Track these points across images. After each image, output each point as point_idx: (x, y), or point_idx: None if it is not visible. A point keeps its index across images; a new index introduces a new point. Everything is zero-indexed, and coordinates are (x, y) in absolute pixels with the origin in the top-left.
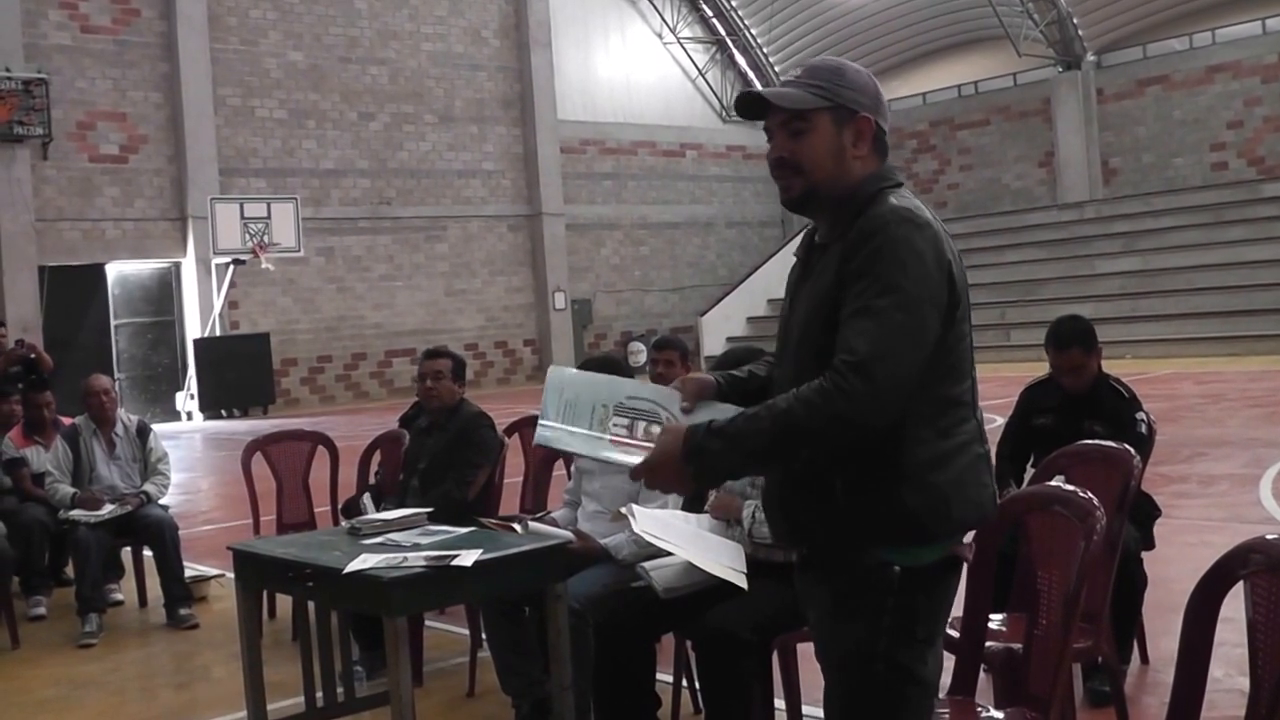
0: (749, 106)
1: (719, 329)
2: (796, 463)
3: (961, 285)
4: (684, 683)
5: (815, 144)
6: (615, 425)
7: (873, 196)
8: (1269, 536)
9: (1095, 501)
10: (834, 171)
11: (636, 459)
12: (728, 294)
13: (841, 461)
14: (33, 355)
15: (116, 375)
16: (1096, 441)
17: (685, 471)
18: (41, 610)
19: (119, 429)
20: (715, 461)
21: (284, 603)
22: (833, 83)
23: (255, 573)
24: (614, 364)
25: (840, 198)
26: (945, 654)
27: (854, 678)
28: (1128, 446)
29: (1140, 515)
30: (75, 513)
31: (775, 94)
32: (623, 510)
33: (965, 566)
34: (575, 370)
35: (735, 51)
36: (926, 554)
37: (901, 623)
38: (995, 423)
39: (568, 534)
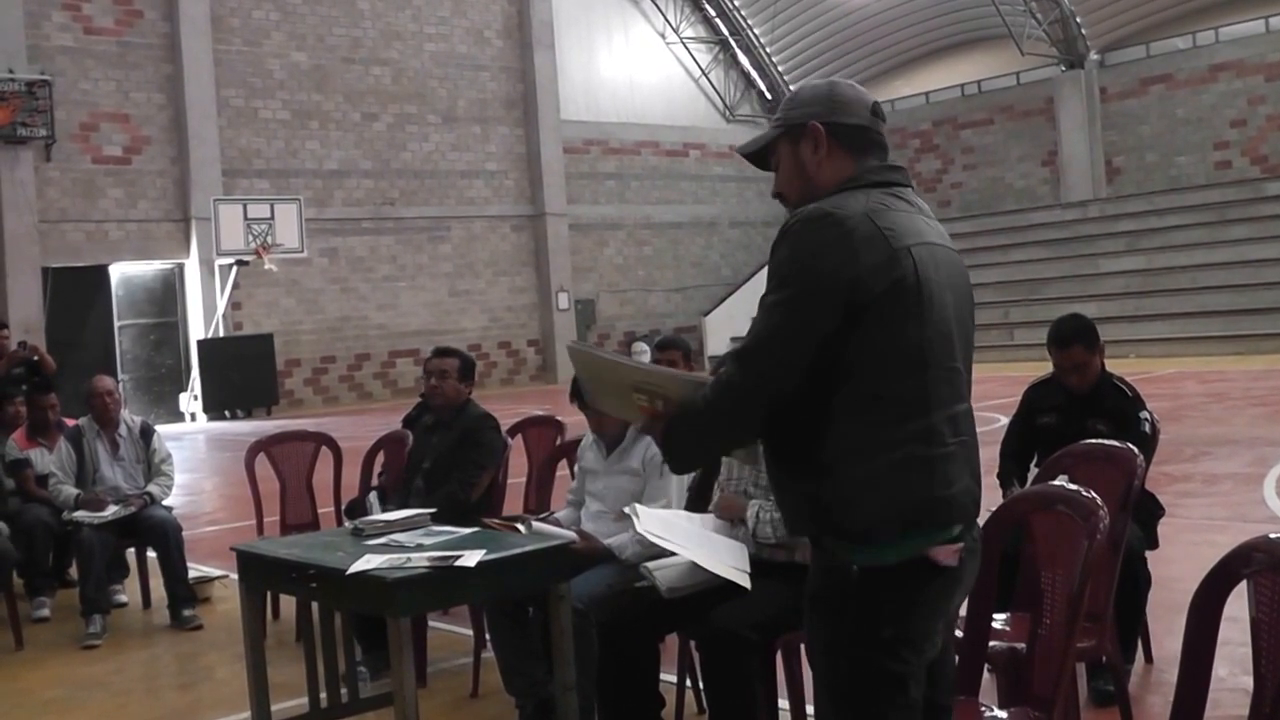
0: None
1: (722, 329)
2: (721, 449)
3: (891, 282)
4: (688, 683)
5: (783, 171)
6: (639, 399)
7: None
8: (1272, 535)
9: (1098, 501)
10: (804, 186)
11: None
12: (731, 294)
13: (778, 452)
14: (35, 357)
15: (120, 376)
16: (1100, 441)
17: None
18: (45, 611)
19: (122, 430)
20: (679, 456)
21: (288, 603)
22: (785, 109)
23: (259, 573)
24: None
25: None
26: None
27: (825, 672)
28: (1131, 446)
29: (1144, 514)
30: (79, 514)
31: (741, 149)
32: (626, 510)
33: (957, 570)
34: (588, 349)
35: (738, 51)
36: (887, 554)
37: (864, 622)
38: (999, 422)
39: (571, 534)
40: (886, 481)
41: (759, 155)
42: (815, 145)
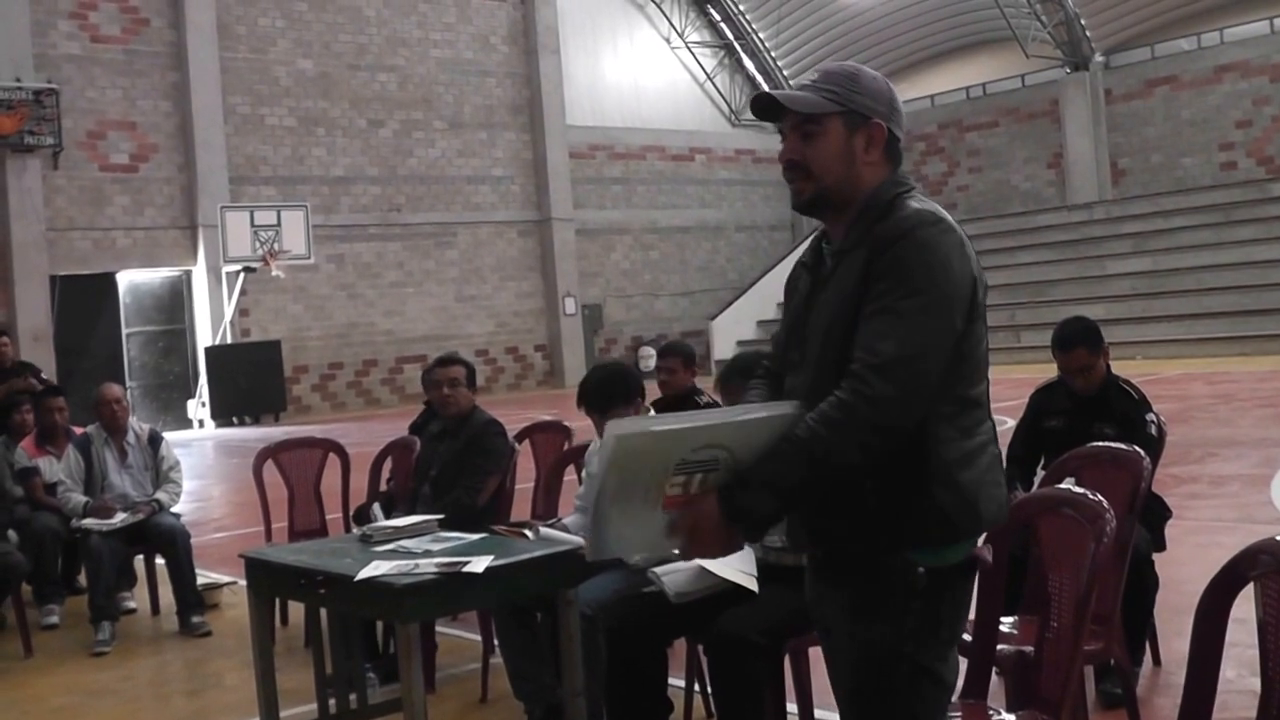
0: (764, 108)
1: (729, 333)
2: (835, 483)
3: (981, 288)
4: (696, 687)
5: (825, 148)
6: (671, 487)
7: (891, 201)
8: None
9: (1105, 504)
10: (843, 176)
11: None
12: (738, 298)
13: (872, 465)
14: (38, 385)
15: (128, 384)
16: (1107, 443)
17: (732, 532)
18: (54, 619)
19: (131, 437)
20: (759, 514)
21: (296, 610)
22: (846, 88)
23: (267, 580)
24: (624, 372)
25: (852, 203)
26: (959, 657)
27: (876, 679)
28: (1138, 448)
29: (1151, 517)
30: (88, 521)
31: (788, 97)
32: None
33: (978, 568)
34: (643, 428)
35: (743, 55)
36: (951, 554)
37: (926, 624)
38: (1006, 425)
39: (579, 539)
40: (988, 483)
41: (771, 106)
42: (868, 143)
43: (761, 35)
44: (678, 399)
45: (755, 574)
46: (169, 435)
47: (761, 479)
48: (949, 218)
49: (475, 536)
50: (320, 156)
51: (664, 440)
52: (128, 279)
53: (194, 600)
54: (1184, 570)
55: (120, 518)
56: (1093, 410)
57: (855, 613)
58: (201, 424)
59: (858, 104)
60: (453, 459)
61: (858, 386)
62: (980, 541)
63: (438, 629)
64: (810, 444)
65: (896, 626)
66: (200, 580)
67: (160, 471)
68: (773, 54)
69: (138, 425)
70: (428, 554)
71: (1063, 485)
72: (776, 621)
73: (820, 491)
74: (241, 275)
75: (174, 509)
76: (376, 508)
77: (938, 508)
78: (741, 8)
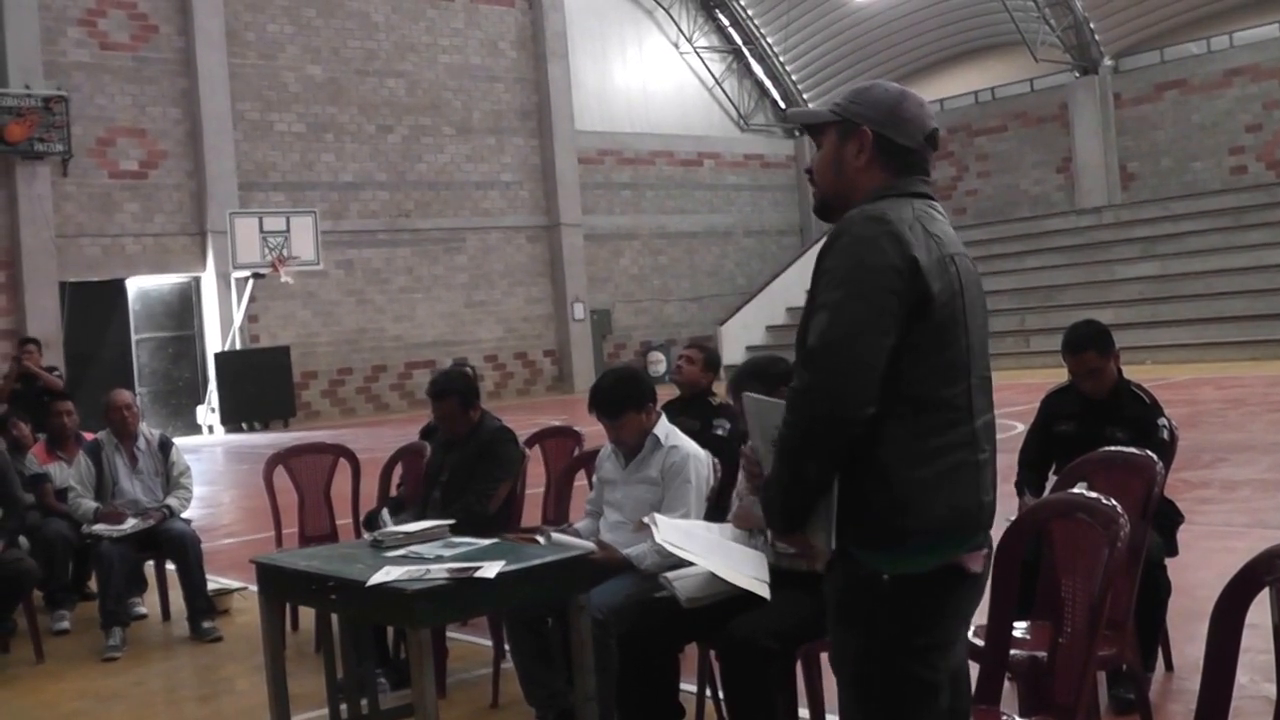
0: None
1: (738, 338)
2: (819, 476)
3: (943, 285)
4: (708, 693)
5: (822, 156)
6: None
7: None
8: None
9: (1119, 509)
10: (835, 181)
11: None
12: (747, 303)
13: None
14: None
15: (138, 390)
16: (1119, 448)
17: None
18: (65, 624)
19: (141, 443)
20: (773, 513)
21: (306, 615)
22: (848, 99)
23: (278, 585)
24: (635, 376)
25: (848, 208)
26: (970, 662)
27: (855, 682)
28: (1150, 453)
29: (1163, 521)
30: (98, 527)
31: (793, 111)
32: (645, 520)
33: (981, 575)
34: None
35: (751, 60)
36: (917, 562)
37: (897, 631)
38: (1016, 429)
39: (590, 545)
40: (943, 487)
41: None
42: (859, 150)
43: (770, 40)
44: (691, 400)
45: (767, 579)
46: (179, 441)
47: (768, 479)
48: (894, 214)
49: (486, 542)
50: (329, 162)
51: (759, 407)
52: (137, 285)
53: (205, 606)
54: (1196, 575)
55: (130, 523)
56: (1104, 414)
57: (836, 616)
58: (211, 430)
59: (851, 113)
60: (463, 465)
61: (792, 383)
62: (980, 548)
63: (449, 634)
64: (779, 444)
65: (867, 633)
66: (211, 586)
67: (170, 477)
68: (781, 59)
69: (148, 431)
70: (439, 559)
71: (1075, 490)
72: (788, 626)
73: (810, 486)
74: (250, 281)
75: (184, 515)
76: (385, 513)
77: (870, 506)
78: (750, 13)
